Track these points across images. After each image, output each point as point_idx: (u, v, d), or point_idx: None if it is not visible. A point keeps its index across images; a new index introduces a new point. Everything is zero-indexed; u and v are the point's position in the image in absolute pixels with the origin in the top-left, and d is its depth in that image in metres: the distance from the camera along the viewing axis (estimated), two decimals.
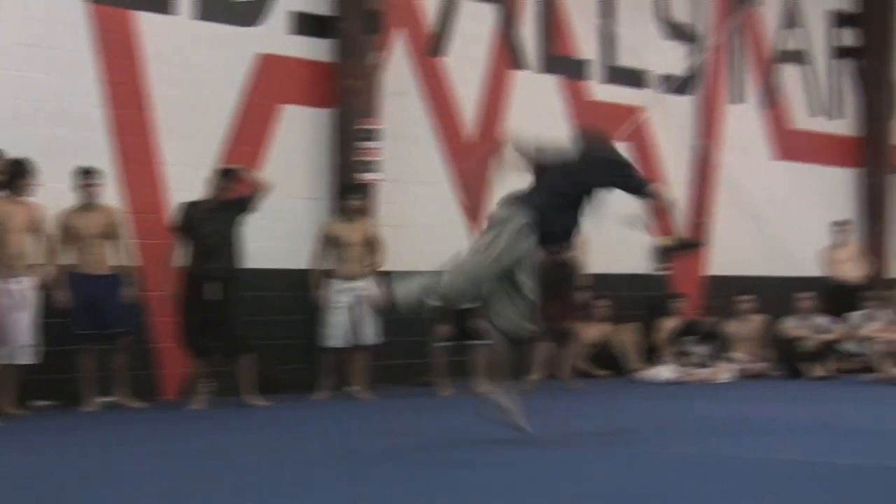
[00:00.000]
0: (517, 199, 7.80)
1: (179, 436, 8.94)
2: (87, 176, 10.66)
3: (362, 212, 12.14)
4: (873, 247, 17.63)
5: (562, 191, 7.84)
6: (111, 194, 11.12)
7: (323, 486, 6.41)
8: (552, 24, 14.85)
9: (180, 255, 10.91)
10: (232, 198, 11.01)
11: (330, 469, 6.96)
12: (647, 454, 7.42)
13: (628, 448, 7.78)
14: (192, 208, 10.92)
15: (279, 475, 6.72)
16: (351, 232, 11.85)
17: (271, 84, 12.39)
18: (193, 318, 10.81)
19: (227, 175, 11.03)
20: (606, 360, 14.54)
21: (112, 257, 10.76)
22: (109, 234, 10.73)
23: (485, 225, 8.22)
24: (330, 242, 11.84)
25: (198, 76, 11.94)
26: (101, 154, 11.20)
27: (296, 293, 12.23)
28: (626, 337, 14.69)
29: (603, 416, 10.10)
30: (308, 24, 12.71)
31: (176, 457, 7.64)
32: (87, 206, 10.66)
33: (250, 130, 12.21)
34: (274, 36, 12.48)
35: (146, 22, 11.62)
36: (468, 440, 8.26)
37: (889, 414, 10.19)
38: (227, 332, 10.86)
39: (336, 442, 8.41)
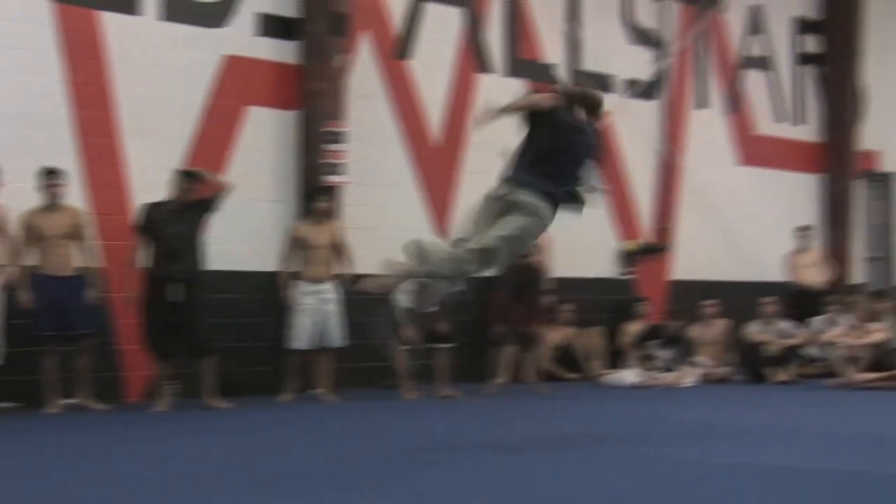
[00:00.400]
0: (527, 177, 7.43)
1: (139, 439, 8.86)
2: (51, 176, 10.60)
3: (329, 214, 12.13)
4: (836, 252, 17.74)
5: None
6: (76, 195, 11.07)
7: (284, 492, 6.37)
8: (518, 28, 14.87)
9: (143, 257, 10.86)
10: (194, 199, 10.97)
11: (282, 475, 6.91)
12: (619, 457, 7.43)
13: (600, 451, 7.78)
14: (154, 210, 10.87)
15: (238, 481, 6.67)
16: (318, 234, 11.83)
17: (237, 86, 12.37)
18: (156, 320, 10.76)
19: (188, 176, 10.98)
20: (571, 363, 14.56)
21: (76, 258, 10.70)
22: (73, 234, 10.67)
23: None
24: (297, 244, 11.82)
25: (163, 77, 11.89)
26: (65, 154, 11.14)
27: (261, 295, 12.21)
28: (591, 341, 14.72)
29: (570, 420, 10.11)
30: (274, 26, 12.68)
31: (134, 460, 7.58)
32: (52, 206, 10.60)
33: (216, 132, 12.18)
34: (240, 37, 12.45)
35: (112, 22, 11.58)
36: (438, 443, 8.25)
37: (851, 418, 10.25)
38: (190, 334, 10.81)
39: (294, 446, 8.35)
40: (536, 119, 7.58)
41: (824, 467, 6.87)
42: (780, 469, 6.82)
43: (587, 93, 8.05)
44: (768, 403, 11.64)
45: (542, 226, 7.44)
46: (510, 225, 7.33)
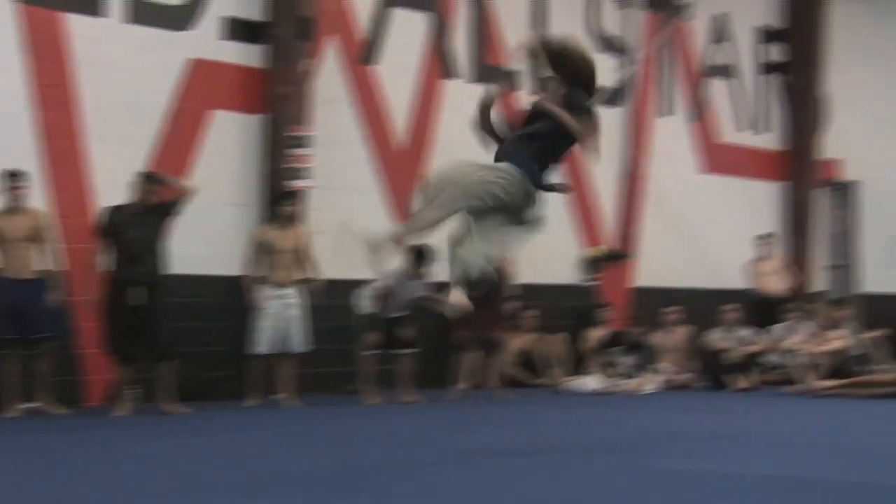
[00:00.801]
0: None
1: (97, 443, 8.82)
2: (13, 179, 10.55)
3: (295, 219, 12.12)
4: (797, 260, 17.85)
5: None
6: (38, 197, 11.02)
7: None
8: (484, 34, 14.91)
9: (104, 260, 10.82)
10: (156, 202, 10.93)
11: (235, 482, 6.87)
12: (582, 464, 7.45)
13: (564, 458, 7.80)
14: (115, 213, 10.82)
15: (192, 486, 6.66)
16: (283, 239, 11.83)
17: (202, 89, 12.34)
18: (118, 324, 10.72)
19: (149, 179, 10.93)
20: (533, 369, 14.60)
21: (38, 261, 10.65)
22: (36, 237, 10.62)
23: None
24: (262, 249, 11.81)
25: (128, 80, 11.85)
26: (28, 157, 11.09)
27: (225, 300, 12.20)
28: (553, 347, 14.76)
29: (534, 427, 10.12)
30: (240, 30, 12.67)
31: (91, 464, 7.56)
32: (14, 209, 10.56)
33: (180, 135, 12.15)
34: (205, 41, 12.42)
35: (76, 24, 11.54)
36: (401, 450, 8.26)
37: (812, 425, 10.32)
38: (151, 338, 10.78)
39: (250, 452, 8.31)
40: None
41: (785, 474, 6.92)
42: (742, 475, 6.87)
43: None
44: (730, 410, 11.70)
45: (516, 184, 6.89)
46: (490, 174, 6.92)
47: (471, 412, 11.40)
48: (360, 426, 10.17)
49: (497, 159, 7.06)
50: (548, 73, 7.28)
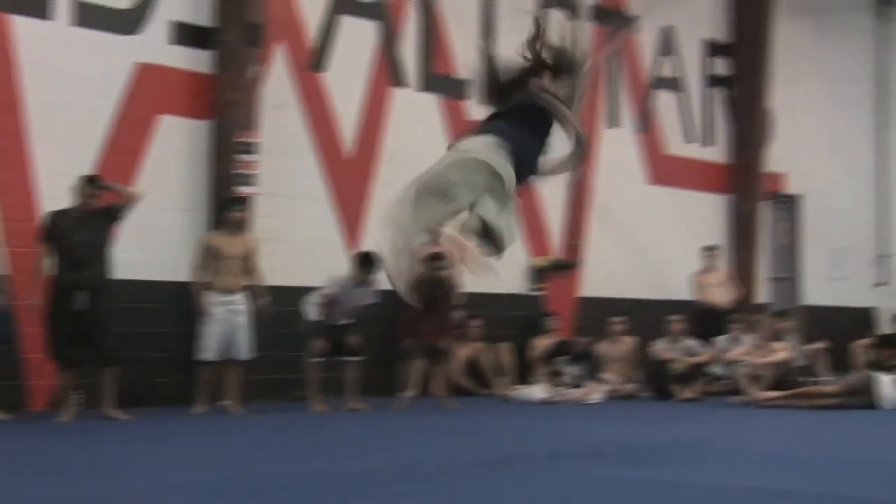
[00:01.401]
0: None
1: (38, 448, 8.72)
2: None
3: (243, 225, 12.07)
4: (741, 272, 17.98)
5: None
6: None
7: None
8: (433, 43, 14.92)
9: (48, 265, 10.71)
10: (99, 207, 10.84)
11: (171, 489, 6.81)
12: (531, 474, 7.43)
13: (511, 468, 7.79)
14: (59, 217, 10.72)
15: (125, 494, 6.60)
16: (231, 245, 11.77)
17: (149, 94, 12.26)
18: (62, 329, 10.62)
19: (92, 183, 10.83)
20: (480, 378, 14.60)
21: None
22: None
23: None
24: (209, 255, 11.74)
25: (74, 83, 11.76)
26: None
27: (172, 305, 12.12)
28: (500, 356, 14.78)
29: (481, 437, 10.07)
30: (188, 35, 12.60)
31: (31, 470, 7.48)
32: None
33: (127, 140, 12.06)
34: (153, 45, 12.34)
35: (22, 26, 11.43)
36: (344, 459, 8.23)
37: (757, 435, 10.37)
38: (96, 343, 10.69)
39: (191, 459, 8.23)
40: None
41: (733, 484, 6.94)
42: (689, 485, 6.89)
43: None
44: (675, 420, 11.75)
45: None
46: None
47: (417, 421, 11.37)
48: (305, 434, 10.11)
49: (488, 130, 6.68)
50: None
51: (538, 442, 9.60)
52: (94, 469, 7.54)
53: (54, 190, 11.19)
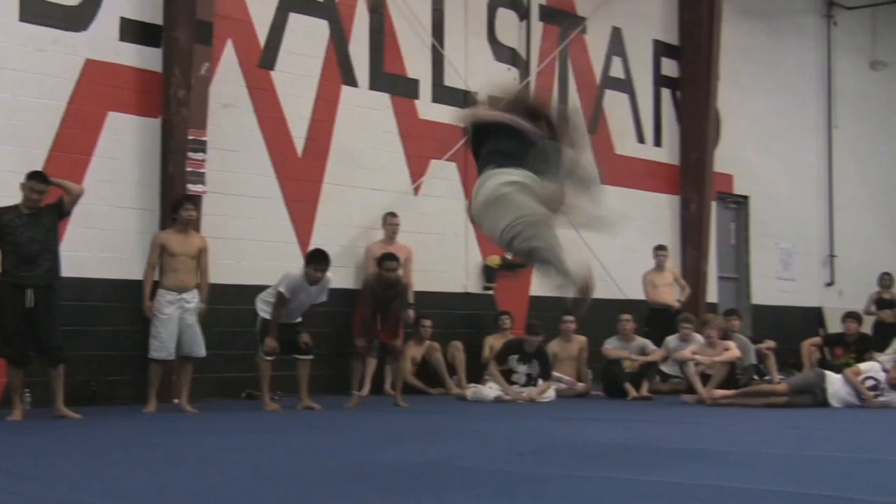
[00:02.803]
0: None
1: None
2: None
3: (195, 224, 11.98)
4: (691, 272, 18.07)
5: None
6: None
7: None
8: (384, 42, 14.88)
9: None
10: (46, 203, 10.72)
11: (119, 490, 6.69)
12: (484, 475, 7.39)
13: (466, 470, 7.75)
14: (5, 214, 10.59)
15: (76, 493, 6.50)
16: (183, 244, 11.68)
17: (99, 91, 12.16)
18: (11, 327, 10.50)
19: (37, 179, 10.69)
20: (432, 377, 14.57)
21: None
22: None
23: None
24: (161, 252, 11.64)
25: (23, 80, 11.65)
26: None
27: (123, 303, 12.01)
28: (452, 355, 14.76)
29: (434, 437, 9.97)
30: (138, 32, 12.51)
31: None
32: None
33: (77, 137, 11.96)
34: (102, 42, 12.24)
35: None
36: (292, 460, 8.17)
37: (711, 434, 10.39)
38: (45, 341, 10.58)
39: (142, 459, 8.11)
40: None
41: (692, 483, 6.94)
42: (645, 483, 6.90)
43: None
44: (627, 419, 11.75)
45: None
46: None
47: (368, 421, 11.30)
48: (259, 434, 10.00)
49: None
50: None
51: (489, 443, 9.53)
52: (39, 468, 7.45)
53: (4, 188, 11.04)
